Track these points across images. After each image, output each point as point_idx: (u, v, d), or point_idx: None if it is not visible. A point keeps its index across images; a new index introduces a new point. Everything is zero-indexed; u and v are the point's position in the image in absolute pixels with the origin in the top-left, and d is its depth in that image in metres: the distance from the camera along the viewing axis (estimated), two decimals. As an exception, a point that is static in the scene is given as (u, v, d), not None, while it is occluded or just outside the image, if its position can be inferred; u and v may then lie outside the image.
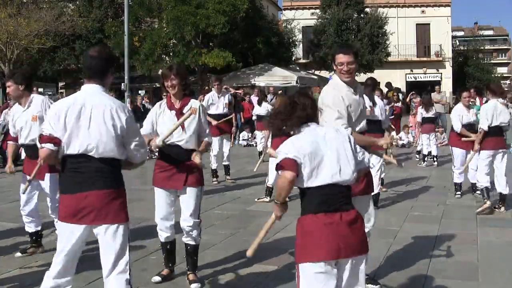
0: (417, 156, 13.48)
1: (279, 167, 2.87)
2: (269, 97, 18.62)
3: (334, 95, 4.00)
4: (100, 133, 3.16)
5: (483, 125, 7.35)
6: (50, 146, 3.14)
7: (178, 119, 4.40)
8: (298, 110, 2.99)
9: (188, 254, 4.62)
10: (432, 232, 6.18)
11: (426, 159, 12.35)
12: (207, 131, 4.69)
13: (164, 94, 21.19)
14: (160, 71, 4.86)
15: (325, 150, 2.88)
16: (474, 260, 5.17)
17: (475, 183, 8.04)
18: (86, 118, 3.17)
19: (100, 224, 3.18)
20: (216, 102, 9.81)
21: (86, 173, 3.17)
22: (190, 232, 4.52)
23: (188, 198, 4.49)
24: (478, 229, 6.36)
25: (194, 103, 4.61)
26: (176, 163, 4.44)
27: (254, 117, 13.47)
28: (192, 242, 4.57)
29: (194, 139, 4.50)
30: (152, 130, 4.53)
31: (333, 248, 2.78)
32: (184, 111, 4.46)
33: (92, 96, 3.23)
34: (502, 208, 7.29)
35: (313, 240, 2.81)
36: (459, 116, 8.18)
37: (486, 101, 8.95)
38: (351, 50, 4.05)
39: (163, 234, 4.62)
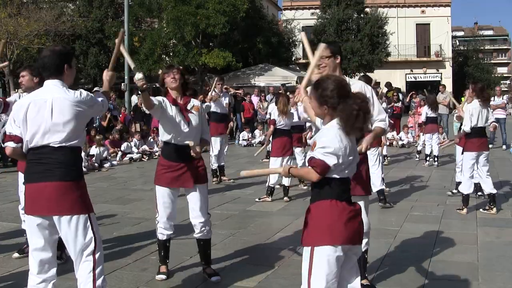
0: (417, 156, 13.47)
1: (314, 163, 2.87)
2: (268, 97, 18.63)
3: None
4: (61, 124, 3.26)
5: (466, 127, 7.25)
6: (10, 144, 3.33)
7: (183, 114, 4.48)
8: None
9: (202, 249, 4.70)
10: (432, 232, 6.18)
11: (428, 159, 12.33)
12: (207, 130, 4.82)
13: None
14: (160, 71, 4.78)
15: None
16: (474, 260, 5.17)
17: (477, 183, 7.98)
18: (48, 111, 3.27)
19: (57, 215, 3.24)
20: (218, 101, 9.86)
21: (47, 164, 3.26)
22: (203, 228, 4.61)
23: (198, 195, 4.55)
24: (478, 229, 6.35)
25: (195, 101, 4.70)
26: (185, 163, 4.49)
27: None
28: (205, 237, 4.66)
29: (199, 138, 4.61)
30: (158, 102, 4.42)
31: (351, 234, 2.88)
32: (188, 107, 4.55)
33: (52, 90, 3.33)
34: (494, 209, 7.21)
35: (336, 224, 2.86)
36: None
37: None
38: (330, 46, 4.06)
39: (165, 232, 4.63)
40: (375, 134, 4.15)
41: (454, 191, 8.52)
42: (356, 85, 4.05)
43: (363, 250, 4.23)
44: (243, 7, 23.12)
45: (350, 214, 2.89)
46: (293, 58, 34.27)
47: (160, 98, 4.50)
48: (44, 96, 3.32)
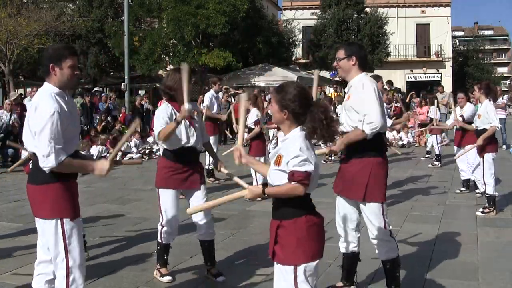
0: (428, 156, 13.47)
1: (298, 176, 2.77)
2: (268, 97, 18.60)
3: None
4: (26, 129, 3.33)
5: (496, 122, 7.06)
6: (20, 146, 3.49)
7: (189, 122, 4.49)
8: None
9: (206, 250, 4.70)
10: (432, 232, 6.18)
11: (438, 158, 12.35)
12: (205, 131, 4.89)
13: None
14: (164, 73, 4.82)
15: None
16: (474, 260, 5.17)
17: (473, 180, 8.04)
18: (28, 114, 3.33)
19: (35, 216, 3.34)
20: (216, 101, 10.03)
21: (32, 167, 3.35)
22: (208, 229, 4.62)
23: (202, 195, 4.57)
24: (478, 229, 6.35)
25: (195, 107, 4.74)
26: (192, 165, 4.52)
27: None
28: (210, 238, 4.67)
29: (201, 140, 4.67)
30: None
31: (323, 245, 2.94)
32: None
33: (37, 93, 3.35)
34: (494, 212, 7.15)
35: (314, 241, 2.88)
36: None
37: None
38: (342, 46, 4.10)
39: (171, 237, 4.62)
40: (353, 136, 3.95)
41: (462, 189, 8.68)
42: (367, 85, 3.98)
43: (386, 259, 4.10)
44: (243, 7, 23.11)
45: (320, 227, 2.94)
46: (293, 58, 34.27)
47: (166, 112, 4.47)
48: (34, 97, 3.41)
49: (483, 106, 7.26)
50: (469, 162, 8.11)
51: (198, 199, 4.55)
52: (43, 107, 3.14)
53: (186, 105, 4.25)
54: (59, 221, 3.24)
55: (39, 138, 3.12)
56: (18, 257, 5.30)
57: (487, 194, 7.27)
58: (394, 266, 4.11)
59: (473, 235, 6.07)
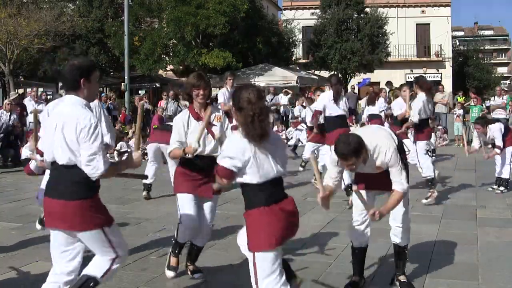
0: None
1: (216, 169, 3.24)
2: (269, 97, 18.62)
3: None
4: (57, 141, 3.26)
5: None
6: (38, 157, 3.55)
7: (207, 130, 4.45)
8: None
9: (194, 253, 4.76)
10: (432, 232, 6.18)
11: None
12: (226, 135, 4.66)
13: (164, 94, 21.06)
14: (188, 79, 4.81)
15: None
16: (474, 260, 5.17)
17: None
18: (52, 126, 3.30)
19: (61, 229, 3.35)
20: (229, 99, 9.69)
21: (52, 179, 3.36)
22: (207, 236, 4.69)
23: (213, 205, 4.65)
24: (478, 229, 6.35)
25: (216, 111, 4.61)
26: (206, 173, 4.42)
27: (366, 118, 13.28)
28: (201, 244, 4.73)
29: (219, 148, 4.49)
30: (181, 144, 4.45)
31: (284, 233, 3.20)
32: (211, 120, 4.51)
33: (63, 106, 3.35)
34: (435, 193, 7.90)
35: (269, 230, 3.15)
36: None
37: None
38: (348, 154, 3.91)
39: (186, 236, 4.61)
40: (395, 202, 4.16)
41: (494, 186, 8.87)
42: (381, 140, 4.07)
43: (403, 245, 4.39)
44: (243, 7, 23.12)
45: (279, 216, 3.17)
46: (293, 58, 34.26)
47: (182, 121, 4.45)
48: (58, 109, 3.37)
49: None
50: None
51: (206, 210, 4.62)
52: (86, 118, 3.23)
53: (193, 144, 4.29)
54: (101, 231, 3.36)
55: (90, 148, 3.20)
56: (18, 257, 5.30)
57: (423, 177, 8.11)
58: (407, 252, 4.47)
59: (473, 235, 6.07)
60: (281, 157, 3.28)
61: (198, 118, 4.48)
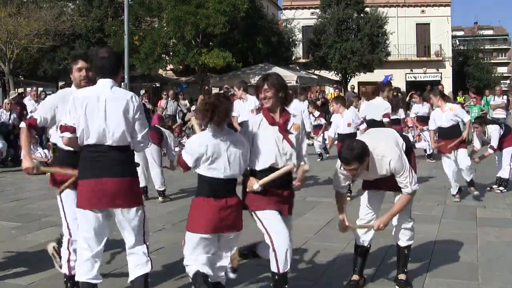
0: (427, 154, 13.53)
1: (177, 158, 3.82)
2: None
3: None
4: (115, 124, 3.50)
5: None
6: (66, 134, 3.55)
7: (282, 135, 3.79)
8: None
9: None
10: (432, 232, 6.18)
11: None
12: (304, 152, 4.02)
13: (164, 94, 21.04)
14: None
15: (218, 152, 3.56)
16: (474, 260, 5.17)
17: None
18: (101, 109, 3.50)
19: (115, 208, 3.60)
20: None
21: (102, 161, 3.51)
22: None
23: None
24: (478, 229, 6.35)
25: (295, 119, 3.93)
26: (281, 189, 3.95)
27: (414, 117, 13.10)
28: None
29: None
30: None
31: (216, 224, 3.62)
32: (288, 127, 3.85)
33: (106, 89, 3.57)
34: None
35: (201, 217, 3.59)
36: None
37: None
38: (351, 159, 3.89)
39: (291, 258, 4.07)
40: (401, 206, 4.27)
41: (494, 186, 8.92)
42: (386, 150, 4.07)
43: (405, 245, 4.44)
44: (243, 6, 23.09)
45: (213, 209, 3.56)
46: (293, 57, 34.25)
47: (253, 120, 3.89)
48: (98, 94, 3.55)
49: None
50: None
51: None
52: (135, 97, 3.65)
53: (255, 186, 3.79)
54: (142, 207, 3.71)
55: (145, 124, 3.68)
56: (18, 257, 5.30)
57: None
58: (410, 251, 4.51)
59: (473, 235, 6.07)
60: (237, 161, 3.60)
61: (273, 122, 3.82)
